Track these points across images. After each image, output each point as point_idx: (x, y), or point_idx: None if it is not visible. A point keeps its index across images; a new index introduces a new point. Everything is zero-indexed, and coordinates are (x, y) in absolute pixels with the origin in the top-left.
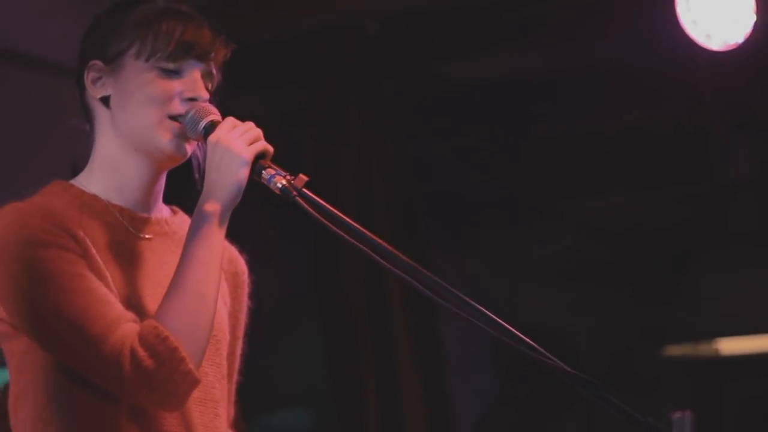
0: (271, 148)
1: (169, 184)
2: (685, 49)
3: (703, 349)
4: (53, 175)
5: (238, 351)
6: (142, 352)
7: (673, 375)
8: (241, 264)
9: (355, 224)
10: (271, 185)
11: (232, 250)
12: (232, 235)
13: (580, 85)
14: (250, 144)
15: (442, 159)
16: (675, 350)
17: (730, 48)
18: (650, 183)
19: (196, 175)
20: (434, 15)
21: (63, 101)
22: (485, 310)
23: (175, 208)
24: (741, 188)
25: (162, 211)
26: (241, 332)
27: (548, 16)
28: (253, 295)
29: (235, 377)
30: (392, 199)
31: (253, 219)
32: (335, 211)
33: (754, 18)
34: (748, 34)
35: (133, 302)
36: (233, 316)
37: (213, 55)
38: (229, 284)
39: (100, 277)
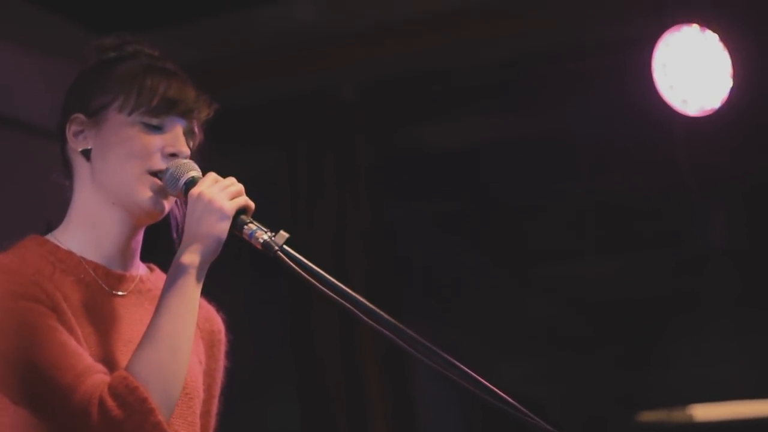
0: (252, 204)
1: (146, 241)
2: (662, 115)
3: (677, 415)
4: (27, 232)
5: (214, 410)
6: (110, 402)
7: None
8: (218, 323)
9: (334, 280)
10: (253, 240)
11: (209, 309)
12: (207, 294)
13: (554, 151)
14: (232, 198)
15: (417, 223)
16: (649, 416)
17: (707, 113)
18: (625, 249)
19: (174, 235)
20: (410, 81)
21: (38, 161)
22: (461, 365)
23: (152, 265)
24: (716, 255)
25: (138, 268)
26: (217, 391)
27: (524, 82)
28: (229, 355)
29: None
30: (367, 262)
31: (227, 283)
32: (315, 267)
33: (730, 83)
34: (725, 100)
35: (105, 359)
36: (208, 374)
37: (196, 113)
38: (205, 343)
39: (71, 332)
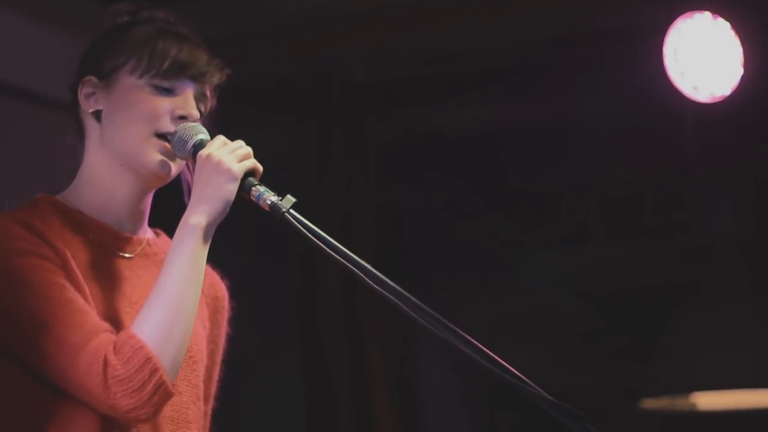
0: (260, 167)
1: (156, 207)
2: (672, 101)
3: (680, 403)
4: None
5: (215, 376)
6: (115, 361)
7: (650, 430)
8: (222, 289)
9: (340, 245)
10: (260, 202)
11: (214, 275)
12: (214, 262)
13: (564, 137)
14: (240, 161)
15: (425, 207)
16: (652, 404)
17: (717, 100)
18: (632, 236)
19: (186, 199)
20: (419, 61)
21: (45, 132)
22: (467, 336)
23: (158, 230)
24: (724, 244)
25: (146, 232)
26: (219, 358)
27: (534, 67)
28: (232, 322)
29: (211, 402)
30: (375, 246)
31: (236, 257)
32: (321, 232)
33: (741, 71)
34: (735, 87)
35: (109, 318)
36: (212, 341)
37: (208, 76)
38: (209, 308)
39: (78, 290)
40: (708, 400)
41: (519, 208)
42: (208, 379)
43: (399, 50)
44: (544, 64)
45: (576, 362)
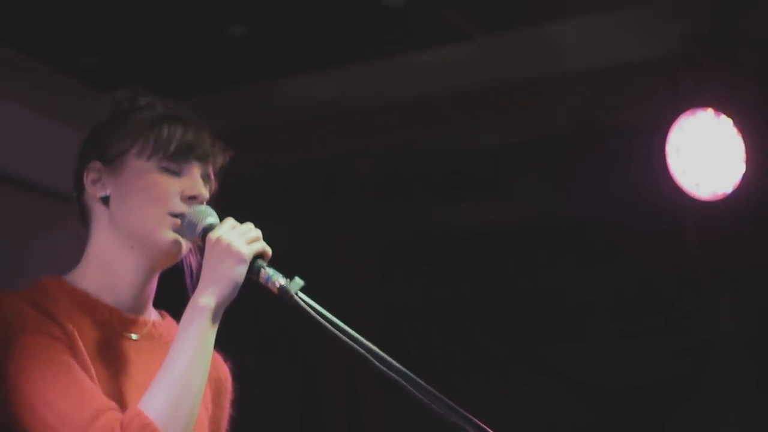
0: (269, 250)
1: (158, 290)
2: (674, 198)
3: None
4: None
5: None
6: None
7: None
8: (225, 370)
9: (348, 328)
10: (270, 284)
11: (217, 356)
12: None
13: (565, 234)
14: (250, 243)
15: (426, 303)
16: None
17: (719, 198)
18: (634, 334)
19: (189, 281)
20: (425, 158)
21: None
22: (473, 418)
23: (163, 312)
24: (725, 341)
25: (151, 313)
26: None
27: (536, 163)
28: (234, 404)
29: None
30: (380, 344)
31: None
32: (329, 314)
33: (744, 168)
34: (737, 185)
35: (115, 400)
36: (214, 422)
37: (212, 158)
38: (211, 389)
39: (85, 370)
40: None
41: (520, 305)
42: None
43: (406, 146)
44: (547, 160)
45: None
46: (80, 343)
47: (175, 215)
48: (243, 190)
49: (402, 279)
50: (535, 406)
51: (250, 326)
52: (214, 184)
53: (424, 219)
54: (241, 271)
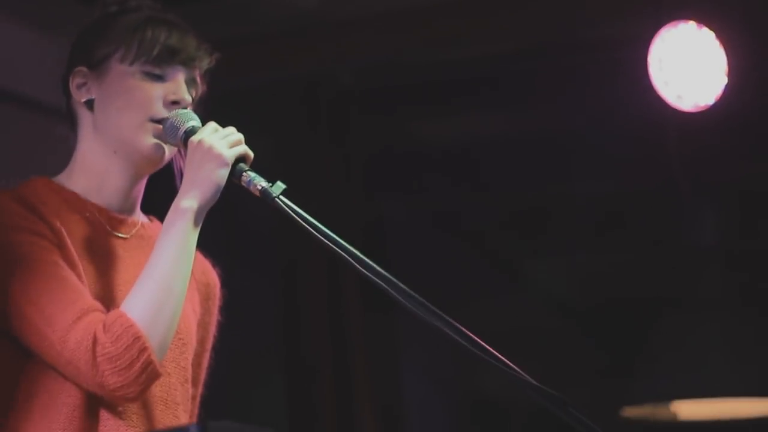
0: (251, 153)
1: (147, 194)
2: (656, 110)
3: (661, 412)
4: None
5: (205, 363)
6: (105, 338)
7: None
8: (214, 276)
9: (329, 231)
10: (251, 187)
11: (206, 262)
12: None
13: (548, 148)
14: (232, 147)
15: (408, 217)
16: (633, 412)
17: (701, 109)
18: (615, 247)
19: (178, 184)
20: (407, 70)
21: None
22: (453, 321)
23: (152, 216)
24: (706, 253)
25: (139, 216)
26: (209, 345)
27: (519, 77)
28: (222, 310)
29: (200, 388)
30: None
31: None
32: (310, 218)
33: (725, 80)
34: (719, 97)
35: (102, 297)
36: (202, 326)
37: (197, 61)
38: (200, 294)
39: (72, 268)
40: (689, 410)
41: (504, 219)
42: (197, 364)
43: (387, 58)
44: (529, 74)
45: (562, 376)
46: (68, 241)
47: (157, 120)
48: (222, 102)
49: (383, 192)
50: (516, 320)
51: (232, 233)
52: (201, 88)
53: (405, 131)
54: (222, 174)
